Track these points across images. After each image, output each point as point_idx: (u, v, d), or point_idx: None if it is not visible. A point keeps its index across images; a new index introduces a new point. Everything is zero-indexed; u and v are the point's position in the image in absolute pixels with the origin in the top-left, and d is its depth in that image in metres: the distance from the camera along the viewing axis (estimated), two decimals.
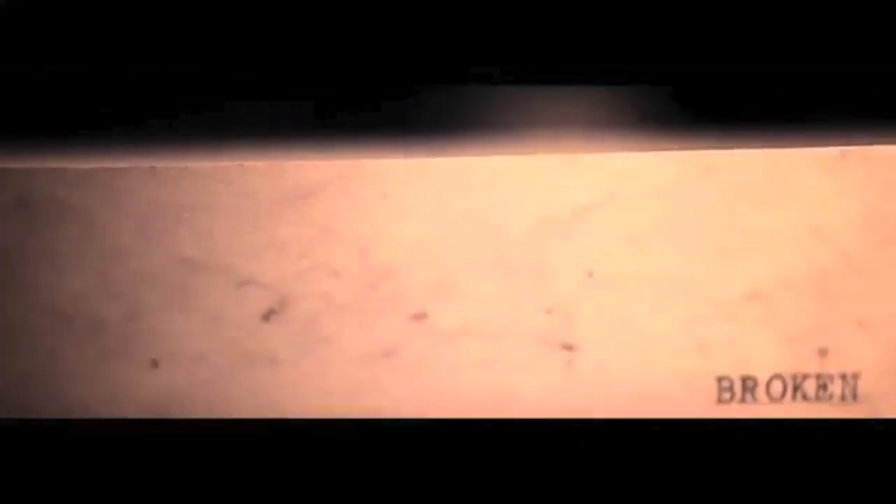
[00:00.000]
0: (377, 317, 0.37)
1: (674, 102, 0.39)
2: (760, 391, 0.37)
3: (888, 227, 0.36)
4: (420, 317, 0.37)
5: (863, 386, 0.37)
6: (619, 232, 0.36)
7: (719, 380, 0.37)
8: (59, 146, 0.37)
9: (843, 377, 0.37)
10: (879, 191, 0.36)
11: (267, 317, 0.36)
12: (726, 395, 0.37)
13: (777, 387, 0.37)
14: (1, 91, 0.37)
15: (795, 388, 0.37)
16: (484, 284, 0.36)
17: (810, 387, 0.37)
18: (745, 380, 0.37)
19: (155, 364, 0.37)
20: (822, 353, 0.37)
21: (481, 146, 0.37)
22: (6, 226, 0.36)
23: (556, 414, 0.37)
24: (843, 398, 0.37)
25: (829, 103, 0.38)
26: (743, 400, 0.37)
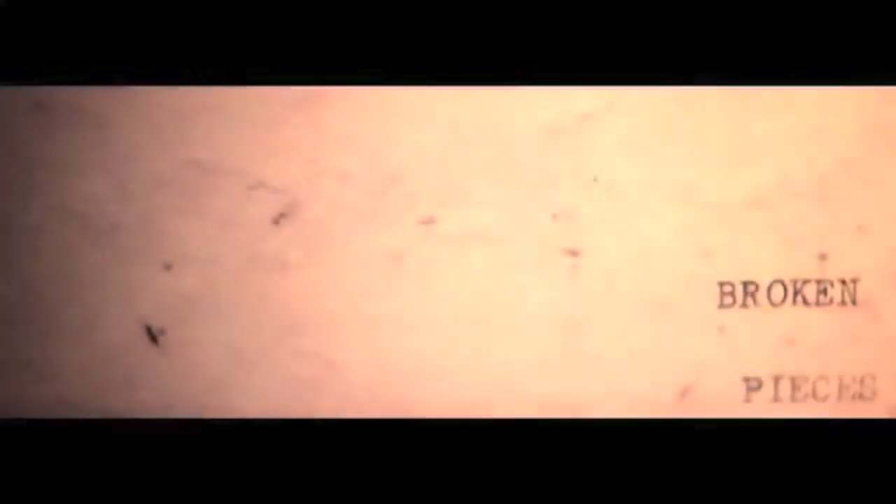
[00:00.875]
0: (385, 221, 0.37)
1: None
2: (761, 296, 0.38)
3: (889, 133, 0.37)
4: (428, 221, 0.37)
5: (862, 290, 0.38)
6: (623, 138, 0.37)
7: (721, 285, 0.38)
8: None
9: (843, 282, 0.38)
10: (880, 96, 0.37)
11: (277, 220, 0.37)
12: (728, 300, 0.38)
13: (778, 291, 0.38)
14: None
15: (796, 293, 0.38)
16: (491, 190, 0.37)
17: (810, 291, 0.38)
18: (746, 284, 0.38)
19: (168, 267, 0.37)
20: (823, 258, 0.38)
21: None
22: (23, 129, 0.37)
23: (561, 315, 0.38)
24: (842, 302, 0.38)
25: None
26: (744, 304, 0.38)
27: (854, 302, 0.38)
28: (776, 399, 0.38)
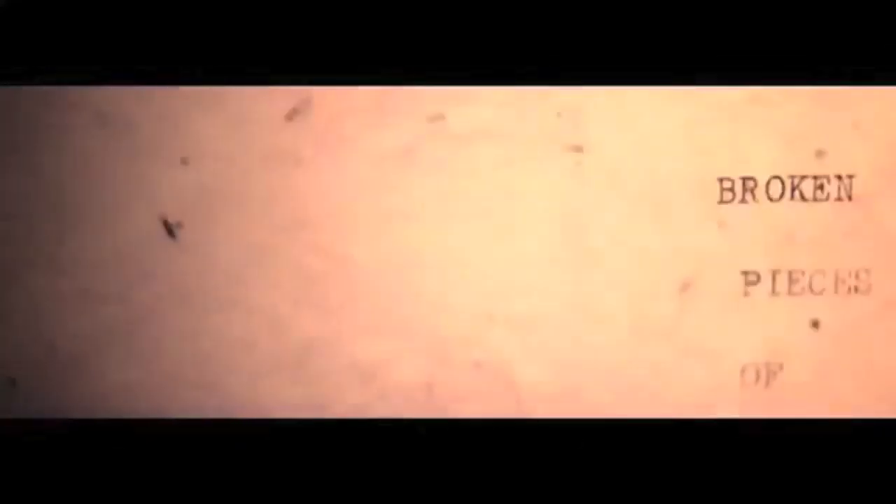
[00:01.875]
0: (396, 118, 0.38)
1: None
2: (760, 192, 0.39)
3: None
4: (437, 118, 0.38)
5: (857, 186, 0.39)
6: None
7: (721, 181, 0.39)
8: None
9: (839, 178, 0.39)
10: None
11: (290, 116, 0.38)
12: (728, 196, 0.39)
13: (776, 187, 0.39)
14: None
15: (793, 189, 0.39)
16: (497, 87, 0.38)
17: (808, 187, 0.39)
18: (745, 180, 0.39)
19: (184, 161, 0.39)
20: (820, 154, 0.39)
21: None
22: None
23: (566, 209, 0.39)
24: (839, 198, 0.39)
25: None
26: (743, 200, 0.39)
27: (850, 198, 0.39)
28: (774, 292, 0.39)
